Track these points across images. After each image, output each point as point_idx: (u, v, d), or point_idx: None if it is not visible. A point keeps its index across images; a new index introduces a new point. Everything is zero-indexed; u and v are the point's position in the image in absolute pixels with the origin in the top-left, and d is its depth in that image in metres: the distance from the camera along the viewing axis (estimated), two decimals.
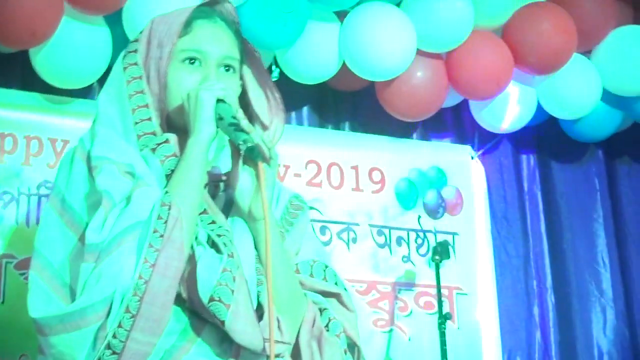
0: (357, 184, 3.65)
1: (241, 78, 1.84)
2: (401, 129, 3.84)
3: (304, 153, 3.58)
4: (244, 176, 1.71)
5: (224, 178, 1.79)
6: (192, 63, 1.79)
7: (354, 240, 3.58)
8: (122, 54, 1.83)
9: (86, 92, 3.28)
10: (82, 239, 1.64)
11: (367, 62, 3.43)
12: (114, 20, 3.13)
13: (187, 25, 1.81)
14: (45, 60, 3.06)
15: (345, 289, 1.86)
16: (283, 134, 1.83)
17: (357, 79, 3.54)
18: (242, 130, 1.66)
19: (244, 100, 1.82)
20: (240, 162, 1.71)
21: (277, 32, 3.26)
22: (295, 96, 3.62)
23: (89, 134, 1.75)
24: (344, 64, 3.49)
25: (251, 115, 1.82)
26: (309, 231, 1.90)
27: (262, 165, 1.64)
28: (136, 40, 1.82)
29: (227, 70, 1.81)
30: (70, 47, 3.05)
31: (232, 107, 1.71)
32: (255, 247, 1.73)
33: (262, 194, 1.63)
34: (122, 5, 3.09)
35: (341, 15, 3.49)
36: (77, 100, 3.23)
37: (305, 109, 3.77)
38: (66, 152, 1.78)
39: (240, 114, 1.72)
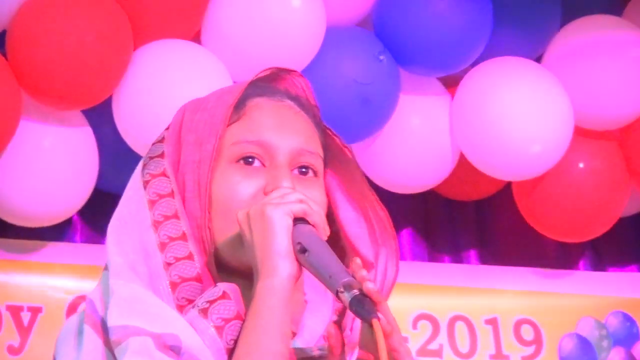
0: (497, 347, 3.24)
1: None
2: (559, 256, 3.43)
3: (410, 304, 3.20)
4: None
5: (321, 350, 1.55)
6: (250, 163, 1.50)
7: None
8: (141, 162, 1.59)
9: (62, 232, 3.08)
10: None
11: (498, 152, 3.03)
12: (101, 116, 2.88)
13: (239, 107, 1.52)
14: None
15: None
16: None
17: (483, 181, 3.18)
18: (343, 271, 1.48)
19: (330, 226, 1.54)
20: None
21: (354, 115, 2.90)
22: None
23: (100, 291, 1.52)
24: (460, 157, 3.12)
25: (343, 248, 1.54)
26: None
27: (378, 325, 1.35)
28: (160, 140, 1.58)
29: (305, 173, 1.50)
30: (34, 164, 2.83)
31: (318, 229, 1.44)
32: None
33: None
34: (111, 92, 2.79)
35: (450, 83, 3.11)
36: (48, 244, 3.03)
37: (404, 234, 3.34)
38: (66, 322, 1.53)
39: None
